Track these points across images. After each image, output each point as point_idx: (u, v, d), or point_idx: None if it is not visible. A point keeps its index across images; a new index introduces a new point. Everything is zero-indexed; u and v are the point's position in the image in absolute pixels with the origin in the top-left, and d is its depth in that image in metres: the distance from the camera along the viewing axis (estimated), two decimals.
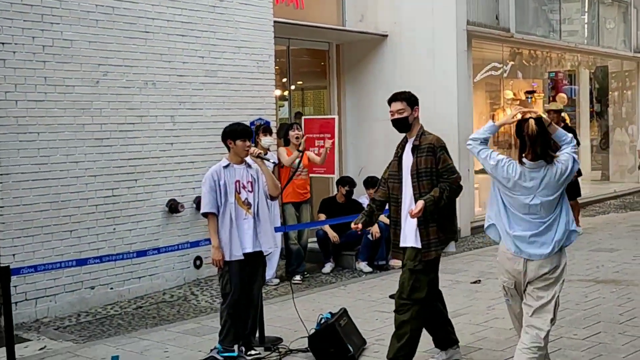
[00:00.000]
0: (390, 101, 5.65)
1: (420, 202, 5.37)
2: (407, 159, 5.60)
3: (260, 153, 6.33)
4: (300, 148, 9.24)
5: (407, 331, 5.47)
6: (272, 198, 6.44)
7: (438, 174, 5.48)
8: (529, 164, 4.82)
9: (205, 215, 6.22)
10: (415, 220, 5.44)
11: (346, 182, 10.39)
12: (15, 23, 7.77)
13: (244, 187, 6.23)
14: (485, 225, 5.17)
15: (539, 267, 4.92)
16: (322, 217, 10.11)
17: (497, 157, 4.93)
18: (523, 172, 4.81)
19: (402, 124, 5.62)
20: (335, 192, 10.71)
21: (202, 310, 8.24)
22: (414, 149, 5.55)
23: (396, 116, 5.59)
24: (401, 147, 5.71)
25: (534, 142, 4.77)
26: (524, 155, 4.82)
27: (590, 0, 18.10)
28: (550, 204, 4.85)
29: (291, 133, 9.67)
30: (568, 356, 5.98)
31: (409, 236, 5.53)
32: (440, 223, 5.49)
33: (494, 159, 4.94)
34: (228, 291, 6.16)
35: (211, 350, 6.26)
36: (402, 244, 5.62)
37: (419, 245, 5.46)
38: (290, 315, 7.36)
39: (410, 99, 5.62)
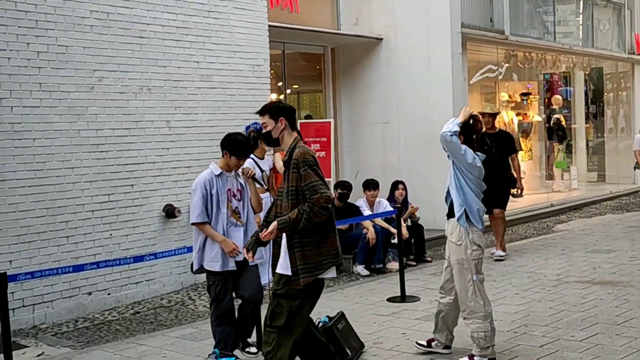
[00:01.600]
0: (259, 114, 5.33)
1: (273, 224, 5.00)
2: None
3: (254, 174, 6.31)
4: None
5: None
6: (255, 212, 6.43)
7: (303, 193, 4.99)
8: (481, 154, 6.02)
9: (194, 224, 6.14)
10: (284, 246, 5.06)
11: (338, 185, 10.41)
12: (10, 29, 7.77)
13: (234, 196, 6.21)
14: (461, 213, 5.89)
15: None
16: None
17: (470, 151, 5.93)
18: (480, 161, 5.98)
19: (267, 139, 5.24)
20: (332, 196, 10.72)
21: (199, 315, 8.23)
22: (286, 165, 5.11)
23: (263, 131, 5.26)
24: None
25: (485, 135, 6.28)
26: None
27: (584, 2, 18.15)
28: None
29: None
30: (566, 358, 5.98)
31: (281, 262, 5.11)
32: (305, 249, 4.96)
33: (470, 153, 5.91)
34: (222, 298, 6.13)
35: (209, 355, 6.26)
36: (277, 269, 5.17)
37: (289, 273, 5.00)
38: None
39: (272, 111, 5.17)
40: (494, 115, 10.59)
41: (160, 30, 9.17)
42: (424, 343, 6.30)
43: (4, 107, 7.73)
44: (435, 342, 6.27)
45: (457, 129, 5.81)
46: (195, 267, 6.28)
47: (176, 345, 6.91)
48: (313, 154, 5.07)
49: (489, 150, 9.75)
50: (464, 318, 5.99)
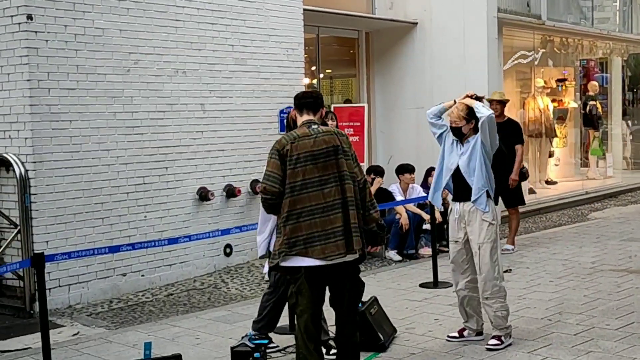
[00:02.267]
0: None
1: None
2: None
3: None
4: None
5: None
6: None
7: None
8: None
9: None
10: None
11: (371, 170, 10.38)
12: (48, 12, 7.83)
13: None
14: (479, 196, 5.98)
15: None
16: None
17: None
18: None
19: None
20: None
21: (232, 297, 8.28)
22: None
23: None
24: None
25: None
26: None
27: None
28: None
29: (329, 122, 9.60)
30: (601, 346, 5.93)
31: None
32: (277, 235, 5.13)
33: None
34: (280, 285, 6.15)
35: (242, 337, 6.29)
36: None
37: None
38: None
39: None
40: (502, 103, 9.94)
41: (195, 13, 9.18)
42: (456, 335, 6.28)
43: (42, 89, 7.81)
44: (467, 331, 6.26)
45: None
46: (261, 253, 6.20)
47: (209, 327, 6.96)
48: (285, 141, 5.04)
49: None
50: (486, 299, 6.02)
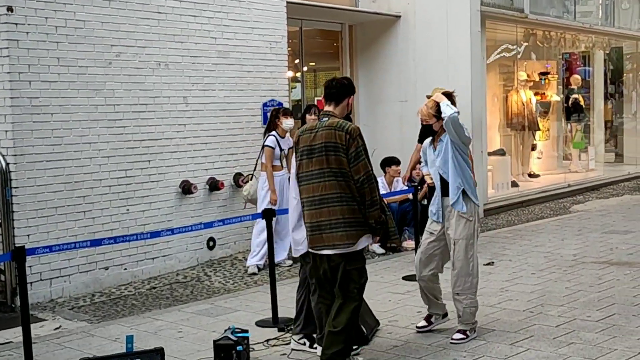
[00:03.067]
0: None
1: None
2: None
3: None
4: None
5: None
6: None
7: None
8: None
9: None
10: None
11: None
12: (29, 4, 7.76)
13: None
14: (457, 196, 5.96)
15: None
16: None
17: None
18: None
19: None
20: None
21: (215, 291, 8.27)
22: None
23: None
24: None
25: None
26: None
27: None
28: None
29: (308, 117, 9.59)
30: (582, 338, 5.97)
31: None
32: None
33: (465, 126, 6.04)
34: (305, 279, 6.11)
35: (225, 330, 6.27)
36: None
37: None
38: None
39: None
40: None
41: (177, 6, 9.14)
42: (424, 324, 6.34)
43: (23, 81, 7.75)
44: (434, 317, 6.33)
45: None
46: (303, 250, 6.14)
47: (192, 321, 6.95)
48: (298, 134, 5.40)
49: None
50: (457, 294, 6.08)
